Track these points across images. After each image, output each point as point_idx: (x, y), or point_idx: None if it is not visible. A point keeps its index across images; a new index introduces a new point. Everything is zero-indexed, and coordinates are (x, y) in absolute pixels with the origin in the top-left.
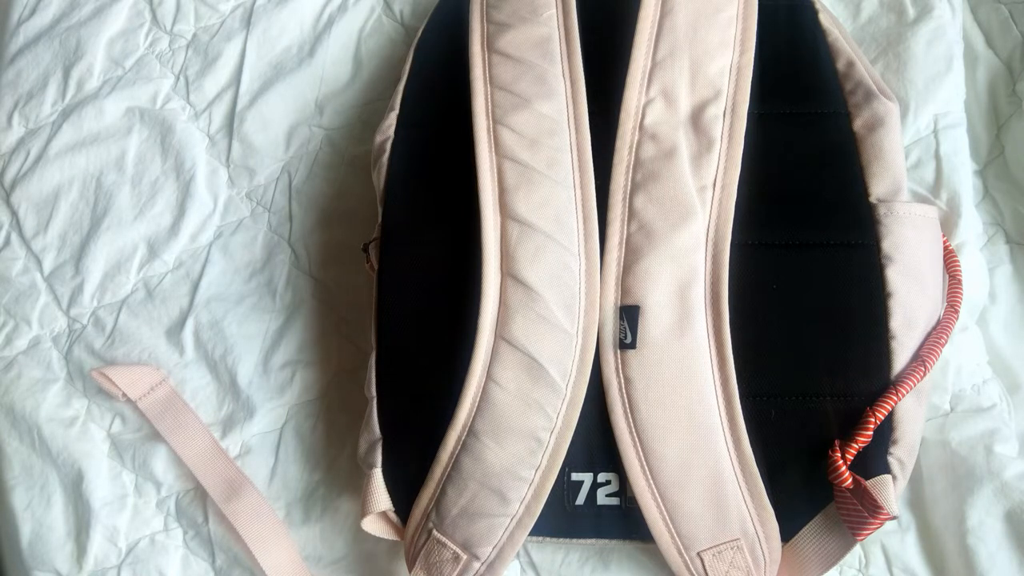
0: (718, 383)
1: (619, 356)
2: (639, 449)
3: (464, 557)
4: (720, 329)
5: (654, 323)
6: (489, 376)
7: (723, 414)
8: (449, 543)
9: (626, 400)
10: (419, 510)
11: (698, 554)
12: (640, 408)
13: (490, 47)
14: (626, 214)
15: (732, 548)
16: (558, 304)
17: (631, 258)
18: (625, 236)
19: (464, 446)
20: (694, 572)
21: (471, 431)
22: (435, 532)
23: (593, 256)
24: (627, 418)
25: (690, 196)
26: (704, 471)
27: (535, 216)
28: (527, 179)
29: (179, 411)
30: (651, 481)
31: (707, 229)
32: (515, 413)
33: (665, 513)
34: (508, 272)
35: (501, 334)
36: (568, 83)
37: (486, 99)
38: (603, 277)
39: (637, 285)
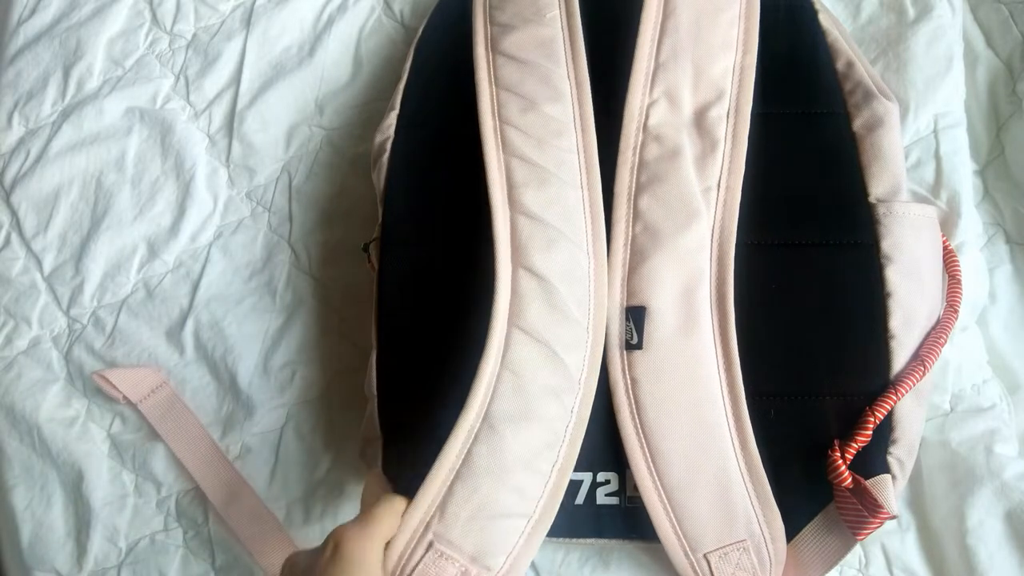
0: (724, 384)
1: (625, 357)
2: (645, 450)
3: (473, 572)
4: (726, 330)
5: (660, 324)
6: (504, 364)
7: (729, 414)
8: (456, 556)
9: (633, 401)
10: (413, 521)
11: (704, 556)
12: (647, 409)
13: (494, 48)
14: (631, 215)
15: (738, 549)
16: (571, 298)
17: (636, 259)
18: (630, 237)
19: (477, 437)
20: (700, 574)
21: (486, 418)
22: (437, 544)
23: (601, 256)
24: (634, 419)
25: (695, 197)
26: (710, 472)
27: (546, 212)
28: (536, 177)
29: (180, 414)
30: (657, 482)
31: (712, 230)
32: (534, 399)
33: (671, 514)
34: (520, 264)
35: (515, 323)
36: (574, 85)
37: (492, 100)
38: (609, 278)
39: (643, 286)
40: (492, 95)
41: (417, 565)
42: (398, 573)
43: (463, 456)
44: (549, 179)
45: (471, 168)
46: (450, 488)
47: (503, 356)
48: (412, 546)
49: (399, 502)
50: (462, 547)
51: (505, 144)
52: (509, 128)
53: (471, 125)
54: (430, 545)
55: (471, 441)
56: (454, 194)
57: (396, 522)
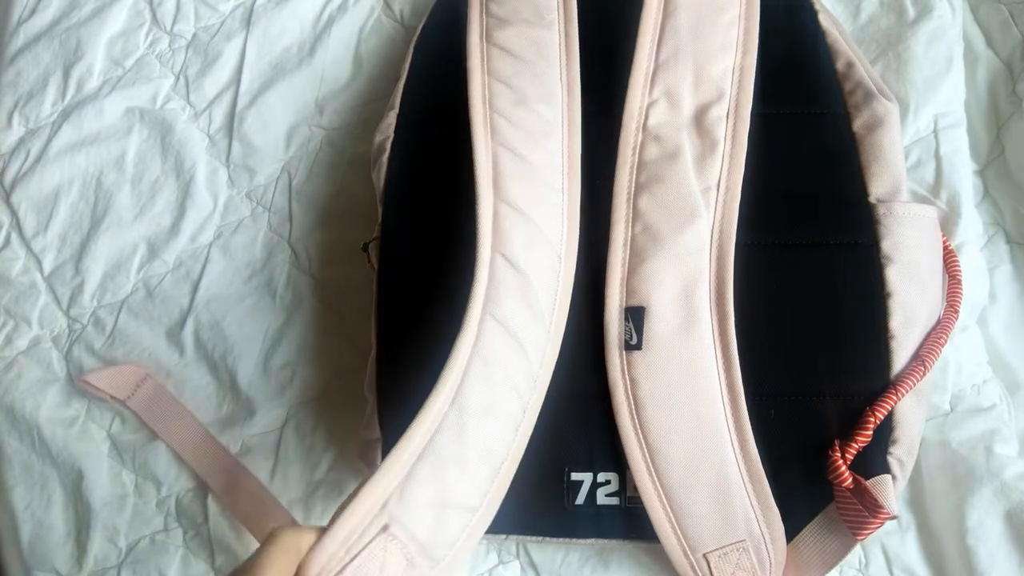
0: (723, 384)
1: (624, 357)
2: (645, 450)
3: (419, 562)
4: (725, 330)
5: (660, 324)
6: (476, 352)
7: (728, 415)
8: (407, 542)
9: (632, 401)
10: (371, 498)
11: (704, 555)
12: (646, 409)
13: (488, 39)
14: (630, 215)
15: (738, 549)
16: (543, 296)
17: (636, 260)
18: (630, 237)
19: (444, 422)
20: (700, 574)
21: (454, 404)
22: (392, 527)
23: (570, 263)
24: (633, 419)
25: (694, 198)
26: (710, 472)
27: (527, 206)
28: (521, 171)
29: (168, 405)
30: (657, 482)
31: (711, 230)
32: (498, 392)
33: (671, 514)
34: (500, 251)
35: (490, 311)
36: (565, 90)
37: (483, 87)
38: (608, 278)
39: (642, 286)
40: (484, 83)
41: (367, 546)
42: (342, 554)
43: (428, 438)
44: (534, 176)
45: (469, 166)
46: (413, 468)
47: (475, 344)
48: (366, 525)
49: (306, 534)
50: (415, 533)
51: (495, 132)
52: (499, 118)
53: (465, 117)
54: (384, 528)
55: (438, 425)
56: (453, 193)
57: (295, 559)
